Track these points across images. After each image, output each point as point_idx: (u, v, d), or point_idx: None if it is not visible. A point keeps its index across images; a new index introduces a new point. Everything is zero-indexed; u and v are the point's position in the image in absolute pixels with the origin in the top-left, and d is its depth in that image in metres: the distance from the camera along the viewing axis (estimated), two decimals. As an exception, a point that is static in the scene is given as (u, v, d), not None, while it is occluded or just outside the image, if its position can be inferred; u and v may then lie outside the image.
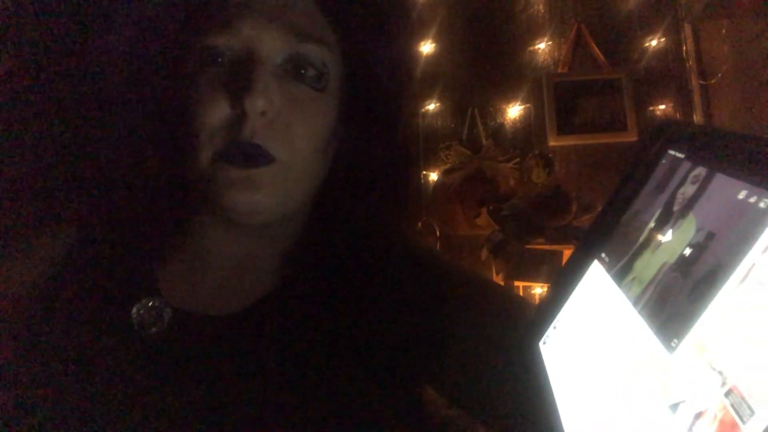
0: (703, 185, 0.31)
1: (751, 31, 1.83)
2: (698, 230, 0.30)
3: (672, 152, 0.34)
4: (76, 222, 0.62)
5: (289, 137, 0.53)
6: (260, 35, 0.53)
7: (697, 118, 2.11)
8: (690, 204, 0.32)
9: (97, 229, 0.62)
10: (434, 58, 2.22)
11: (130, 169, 0.59)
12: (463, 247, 2.14)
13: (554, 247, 1.87)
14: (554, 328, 0.47)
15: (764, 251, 0.24)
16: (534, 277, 1.86)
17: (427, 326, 0.59)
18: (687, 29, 2.14)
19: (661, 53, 2.15)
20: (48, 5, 0.76)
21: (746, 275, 0.25)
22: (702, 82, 2.08)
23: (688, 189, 0.32)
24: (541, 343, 0.48)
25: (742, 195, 0.26)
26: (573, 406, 0.39)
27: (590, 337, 0.41)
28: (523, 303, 0.76)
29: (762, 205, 0.24)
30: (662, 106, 2.15)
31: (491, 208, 2.04)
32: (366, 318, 0.58)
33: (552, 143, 2.17)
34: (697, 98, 2.11)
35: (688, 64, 2.13)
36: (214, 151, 0.52)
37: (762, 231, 0.24)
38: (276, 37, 0.53)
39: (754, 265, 0.25)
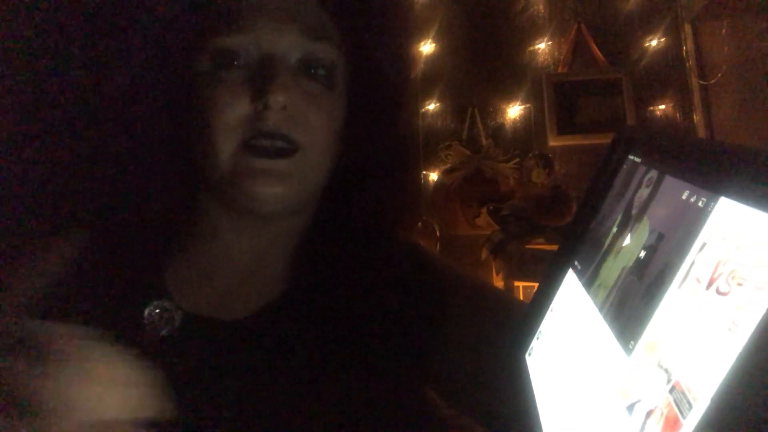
0: (655, 188, 0.31)
1: (751, 31, 1.83)
2: (651, 232, 0.31)
3: (632, 157, 0.35)
4: (88, 225, 0.64)
5: (306, 129, 0.56)
6: (276, 36, 0.55)
7: (697, 118, 2.10)
8: (645, 207, 0.32)
9: (109, 232, 0.63)
10: (434, 58, 2.22)
11: (144, 170, 0.61)
12: (463, 247, 2.14)
13: (554, 247, 1.87)
14: (537, 338, 0.48)
15: (701, 249, 0.25)
16: (534, 277, 1.86)
17: (428, 329, 0.60)
18: (687, 29, 2.13)
19: (661, 53, 2.15)
20: (61, 7, 0.77)
21: (687, 274, 0.26)
22: (702, 82, 2.07)
23: (644, 192, 0.33)
24: (526, 355, 0.48)
25: (685, 195, 0.27)
26: (553, 413, 0.40)
27: (566, 345, 0.42)
28: (519, 306, 0.77)
29: (700, 204, 0.25)
30: (662, 106, 2.15)
31: (491, 208, 2.04)
32: (369, 320, 0.59)
33: (552, 143, 2.17)
34: (697, 98, 2.10)
35: (688, 64, 2.12)
36: (235, 143, 0.55)
37: (700, 230, 0.25)
38: (290, 37, 0.56)
39: (693, 263, 0.25)
